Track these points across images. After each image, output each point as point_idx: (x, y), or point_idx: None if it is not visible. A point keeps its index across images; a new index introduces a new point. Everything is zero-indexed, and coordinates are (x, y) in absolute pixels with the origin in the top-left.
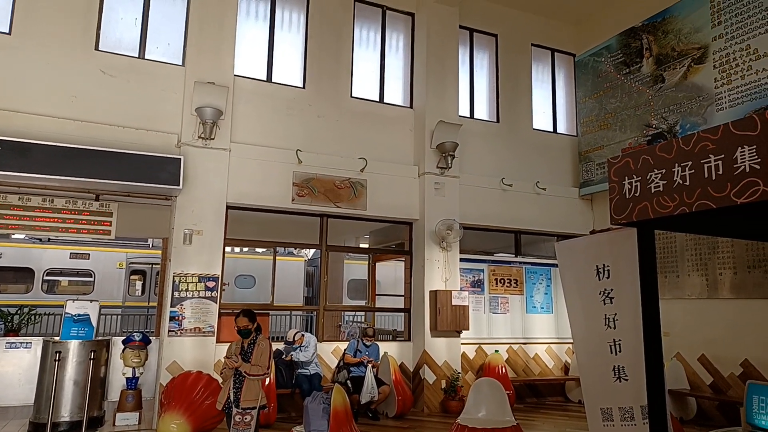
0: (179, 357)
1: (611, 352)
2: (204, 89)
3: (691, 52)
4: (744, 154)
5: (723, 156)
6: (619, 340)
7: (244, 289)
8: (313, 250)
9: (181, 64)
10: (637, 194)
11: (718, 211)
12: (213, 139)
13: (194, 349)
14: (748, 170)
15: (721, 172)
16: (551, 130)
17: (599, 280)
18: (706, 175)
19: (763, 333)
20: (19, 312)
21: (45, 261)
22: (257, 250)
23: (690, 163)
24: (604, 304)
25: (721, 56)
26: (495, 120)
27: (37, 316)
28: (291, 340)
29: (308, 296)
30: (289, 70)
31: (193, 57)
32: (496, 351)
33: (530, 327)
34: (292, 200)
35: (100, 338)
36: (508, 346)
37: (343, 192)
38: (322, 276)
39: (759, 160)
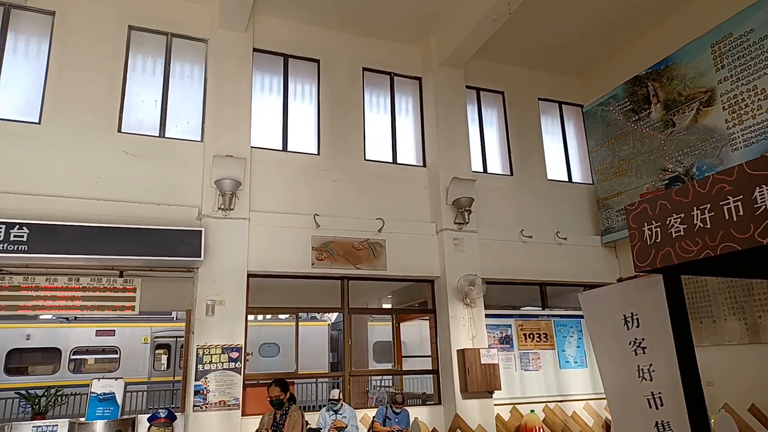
0: None
1: (650, 407)
2: (222, 162)
3: (698, 95)
4: (763, 194)
5: (741, 197)
6: (659, 393)
7: (269, 358)
8: (336, 314)
9: (200, 139)
10: (658, 240)
11: (744, 252)
12: (232, 209)
13: (220, 423)
14: None
15: (741, 213)
16: (566, 179)
17: (628, 329)
18: (727, 217)
19: None
20: (45, 394)
21: (72, 340)
22: (280, 317)
23: (709, 205)
24: (636, 354)
25: (729, 98)
26: (509, 173)
27: (64, 397)
28: (336, 398)
29: (333, 362)
30: (304, 138)
31: (211, 132)
32: (532, 411)
33: (565, 383)
34: (312, 264)
35: (125, 417)
36: (543, 404)
37: (362, 253)
38: (345, 340)
39: None
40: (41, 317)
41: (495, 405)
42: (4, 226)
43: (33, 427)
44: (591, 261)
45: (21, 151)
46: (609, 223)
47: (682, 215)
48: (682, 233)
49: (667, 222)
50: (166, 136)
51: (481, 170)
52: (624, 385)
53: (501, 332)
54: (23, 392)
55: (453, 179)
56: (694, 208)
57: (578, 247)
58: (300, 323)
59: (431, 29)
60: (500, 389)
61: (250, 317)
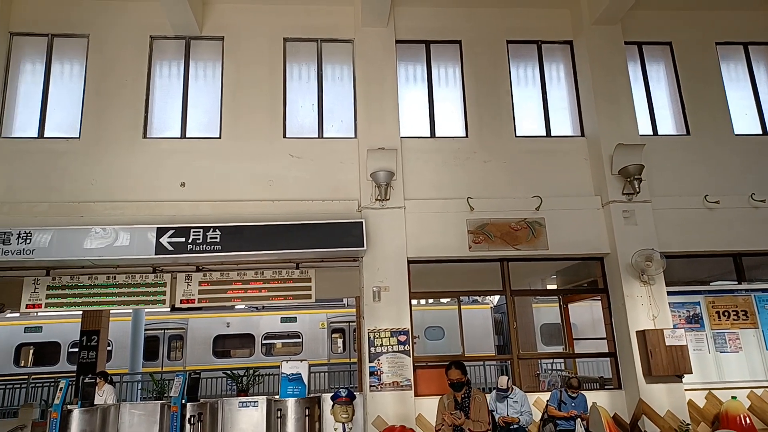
0: (382, 411)
1: None
2: (376, 155)
3: None
4: None
5: None
6: None
7: (435, 341)
8: (498, 297)
9: (353, 136)
10: None
11: None
12: (388, 199)
13: (395, 403)
14: None
15: None
16: (760, 132)
17: None
18: None
19: None
20: (246, 374)
21: (262, 327)
22: (442, 300)
23: None
24: None
25: None
26: (685, 132)
27: (260, 377)
28: (505, 387)
29: (499, 344)
30: (451, 122)
31: (364, 127)
32: (734, 397)
33: None
34: (469, 248)
35: (311, 395)
36: (748, 390)
37: (520, 234)
38: (510, 322)
39: None
40: (236, 307)
41: (686, 390)
42: (201, 230)
43: (239, 402)
44: None
45: (209, 163)
46: None
47: None
48: None
49: None
50: (324, 136)
51: (650, 133)
52: None
53: (688, 311)
54: (228, 372)
55: (618, 146)
56: None
57: None
58: (462, 306)
59: None
60: (691, 373)
61: (414, 302)
